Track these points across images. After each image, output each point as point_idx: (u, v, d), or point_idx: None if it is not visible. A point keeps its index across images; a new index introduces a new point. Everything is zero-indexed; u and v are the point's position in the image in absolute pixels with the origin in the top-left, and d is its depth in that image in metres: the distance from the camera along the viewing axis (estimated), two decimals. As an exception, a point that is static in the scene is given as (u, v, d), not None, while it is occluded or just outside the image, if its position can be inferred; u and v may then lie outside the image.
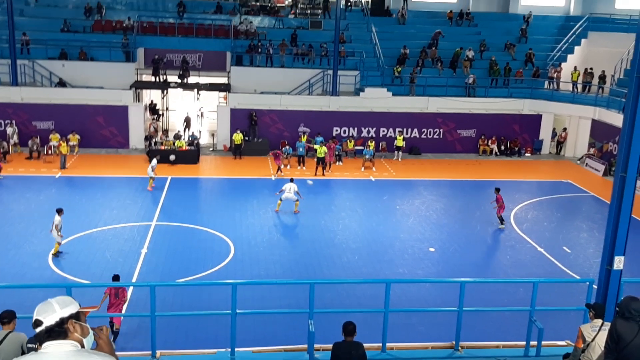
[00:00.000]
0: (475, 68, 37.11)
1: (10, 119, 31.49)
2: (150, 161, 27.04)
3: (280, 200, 24.10)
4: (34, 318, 3.57)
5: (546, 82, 36.96)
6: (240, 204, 24.96)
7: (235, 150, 31.99)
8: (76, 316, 3.67)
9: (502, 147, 35.32)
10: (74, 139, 31.04)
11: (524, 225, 23.94)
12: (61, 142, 29.41)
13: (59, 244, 19.33)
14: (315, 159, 29.84)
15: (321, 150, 29.61)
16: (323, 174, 29.60)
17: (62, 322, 3.57)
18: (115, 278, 14.43)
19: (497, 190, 23.50)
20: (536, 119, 35.80)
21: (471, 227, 23.50)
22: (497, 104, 35.40)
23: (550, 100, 35.51)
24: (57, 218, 19.06)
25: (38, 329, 3.57)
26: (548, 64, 37.87)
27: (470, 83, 35.80)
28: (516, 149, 35.39)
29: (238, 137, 31.85)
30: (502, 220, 23.41)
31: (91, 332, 3.80)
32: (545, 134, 36.10)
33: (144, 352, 10.32)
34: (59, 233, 19.08)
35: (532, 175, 31.84)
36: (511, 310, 15.35)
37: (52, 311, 3.58)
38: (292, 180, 24.64)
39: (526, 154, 35.63)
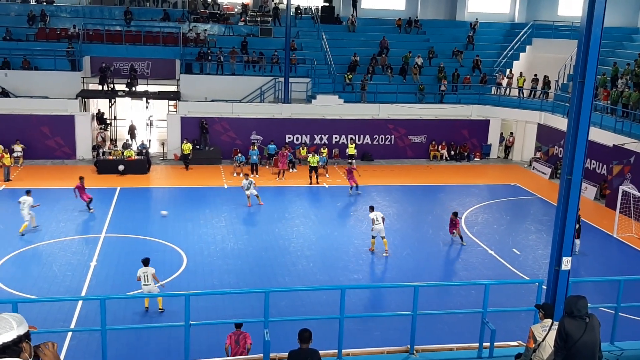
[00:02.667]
0: (425, 75, 37.67)
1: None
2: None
3: (373, 237, 21.35)
4: None
5: (493, 88, 37.79)
6: (192, 214, 24.62)
7: (185, 160, 31.48)
8: (28, 335, 3.58)
9: (452, 152, 35.90)
10: (19, 147, 30.15)
11: (475, 228, 24.34)
12: (4, 153, 28.47)
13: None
14: (308, 168, 29.82)
15: (314, 160, 29.65)
16: (317, 182, 29.65)
17: (20, 340, 3.49)
18: (238, 326, 12.90)
19: (455, 214, 22.52)
20: (484, 124, 36.53)
21: (423, 231, 23.76)
22: (446, 109, 35.99)
23: (497, 106, 36.34)
24: (148, 269, 16.23)
25: None
26: (495, 70, 38.75)
27: (442, 90, 36.44)
28: (465, 153, 36.03)
29: (186, 146, 31.36)
30: (461, 237, 22.54)
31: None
32: (493, 138, 36.86)
33: (94, 368, 10.02)
34: (156, 283, 16.27)
35: (481, 179, 32.44)
36: (464, 313, 15.55)
37: (9, 328, 3.48)
38: (372, 208, 22.02)
39: (475, 159, 36.30)
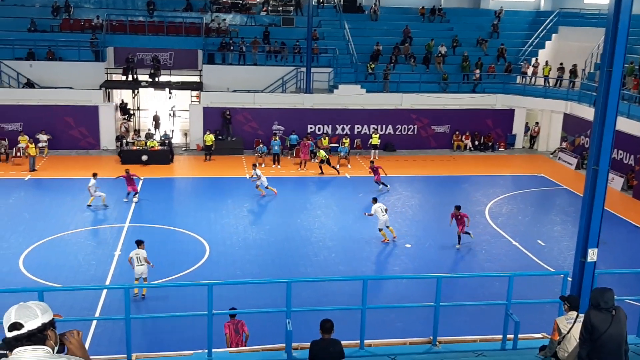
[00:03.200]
0: (448, 64, 37.30)
1: (-23, 121, 30.86)
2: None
3: (381, 229, 21.18)
4: (12, 321, 3.49)
5: (518, 77, 37.30)
6: (214, 204, 24.73)
7: (207, 152, 31.47)
8: (52, 323, 3.63)
9: (476, 142, 35.56)
10: (44, 136, 30.55)
11: (499, 219, 24.11)
12: (29, 143, 28.82)
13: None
14: (319, 161, 29.69)
15: (322, 154, 29.52)
16: (337, 172, 29.81)
17: (45, 327, 3.54)
18: (233, 315, 12.83)
19: (458, 208, 21.15)
20: (509, 114, 36.11)
21: (446, 222, 23.53)
22: (470, 99, 35.63)
23: (522, 95, 35.87)
24: (140, 251, 16.82)
25: (14, 333, 3.48)
26: (520, 59, 38.23)
27: (475, 79, 36.13)
28: (490, 144, 35.66)
29: (209, 138, 31.37)
30: (459, 239, 21.38)
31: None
32: (518, 128, 36.43)
33: (119, 356, 10.11)
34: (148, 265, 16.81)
35: (506, 170, 32.11)
36: (487, 304, 15.41)
37: (34, 316, 3.53)
38: (375, 200, 22.01)
39: (500, 149, 35.92)
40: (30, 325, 3.50)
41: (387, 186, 27.36)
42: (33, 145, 28.70)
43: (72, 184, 26.66)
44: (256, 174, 25.79)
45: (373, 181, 27.30)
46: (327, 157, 29.71)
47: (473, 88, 36.36)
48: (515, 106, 36.01)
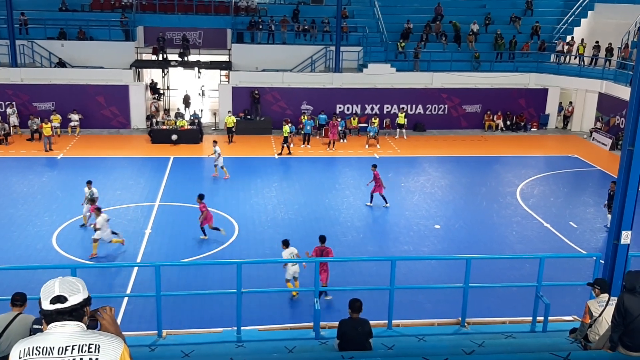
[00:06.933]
0: (480, 42, 36.69)
1: (10, 100, 31.31)
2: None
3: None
4: (57, 293, 3.50)
5: (552, 56, 36.54)
6: (243, 183, 24.84)
7: (228, 133, 31.19)
8: (90, 300, 3.70)
9: (508, 122, 35.03)
10: (76, 116, 30.89)
11: (530, 200, 23.79)
12: (43, 124, 28.69)
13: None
14: (283, 140, 29.00)
15: (286, 130, 28.76)
16: (290, 152, 28.99)
17: (85, 303, 3.59)
18: (322, 239, 15.15)
19: (374, 166, 22.38)
20: (542, 93, 35.46)
21: (477, 204, 23.35)
22: (502, 78, 35.05)
23: (556, 74, 35.16)
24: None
25: (57, 306, 3.49)
26: (554, 37, 37.42)
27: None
28: (522, 124, 35.09)
29: (230, 120, 31.09)
30: (384, 199, 22.34)
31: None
32: (551, 108, 35.77)
33: (150, 332, 10.30)
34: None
35: (538, 150, 31.60)
36: (517, 286, 15.27)
37: (77, 291, 3.57)
38: (100, 211, 18.06)
39: (532, 129, 35.34)
40: (74, 299, 3.52)
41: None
42: (48, 125, 28.63)
43: (104, 162, 27.01)
44: (217, 152, 25.09)
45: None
46: (289, 135, 28.98)
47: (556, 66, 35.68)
48: (549, 85, 35.34)
